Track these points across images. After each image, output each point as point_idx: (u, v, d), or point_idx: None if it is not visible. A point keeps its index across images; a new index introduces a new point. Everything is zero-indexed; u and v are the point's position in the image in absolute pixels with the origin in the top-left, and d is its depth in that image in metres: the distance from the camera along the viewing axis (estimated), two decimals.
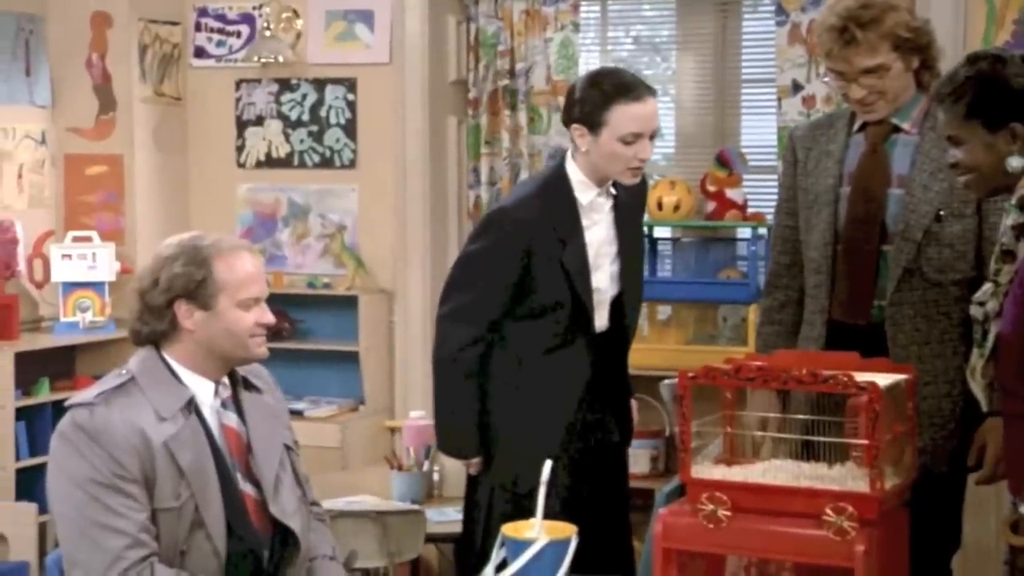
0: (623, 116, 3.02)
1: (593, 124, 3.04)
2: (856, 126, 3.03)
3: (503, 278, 3.08)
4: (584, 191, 3.12)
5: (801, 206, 3.06)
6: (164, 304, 2.52)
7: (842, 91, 2.99)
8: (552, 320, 3.11)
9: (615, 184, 3.17)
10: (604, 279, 3.15)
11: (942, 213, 2.91)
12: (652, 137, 3.08)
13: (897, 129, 2.98)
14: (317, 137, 5.32)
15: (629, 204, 3.21)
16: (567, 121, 3.12)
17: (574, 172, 3.12)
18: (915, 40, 2.93)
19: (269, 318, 2.57)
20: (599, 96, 3.04)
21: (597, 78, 3.12)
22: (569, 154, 3.15)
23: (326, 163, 5.32)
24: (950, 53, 4.32)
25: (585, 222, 3.12)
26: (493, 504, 3.12)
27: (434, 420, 3.25)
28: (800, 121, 4.43)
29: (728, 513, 2.23)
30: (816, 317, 2.99)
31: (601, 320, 3.16)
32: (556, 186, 3.12)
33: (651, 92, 3.09)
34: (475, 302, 3.09)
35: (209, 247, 2.53)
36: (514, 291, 3.09)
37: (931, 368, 2.89)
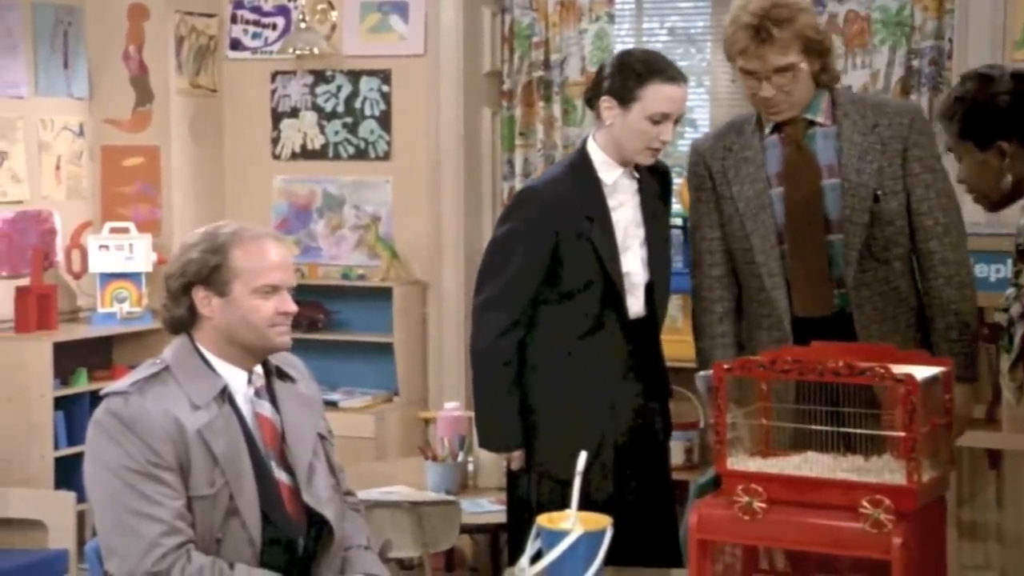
0: (657, 95, 3.05)
1: (624, 99, 3.06)
2: (768, 128, 3.06)
3: (533, 258, 3.08)
4: (607, 171, 3.13)
5: (728, 216, 3.09)
6: (180, 289, 2.54)
7: (752, 91, 3.02)
8: (584, 302, 3.10)
9: (637, 169, 3.18)
10: (634, 261, 3.15)
11: (879, 193, 2.98)
12: (676, 122, 3.11)
13: (812, 124, 3.03)
14: (352, 129, 5.34)
15: (655, 194, 3.22)
16: (595, 95, 3.12)
17: (596, 153, 3.14)
18: (821, 43, 2.99)
19: (289, 306, 2.55)
20: (636, 72, 3.07)
21: (634, 54, 3.17)
22: (591, 136, 3.18)
23: (361, 154, 5.33)
24: (988, 44, 4.31)
25: (611, 202, 3.13)
26: (542, 494, 3.09)
27: (474, 413, 3.23)
28: None
29: (764, 505, 2.22)
30: (782, 317, 3.02)
31: (635, 306, 3.15)
32: (580, 166, 3.15)
33: (685, 78, 3.13)
34: (508, 286, 3.09)
35: (229, 234, 2.54)
36: (545, 272, 3.09)
37: (890, 343, 2.90)
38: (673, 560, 3.14)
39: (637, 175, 3.18)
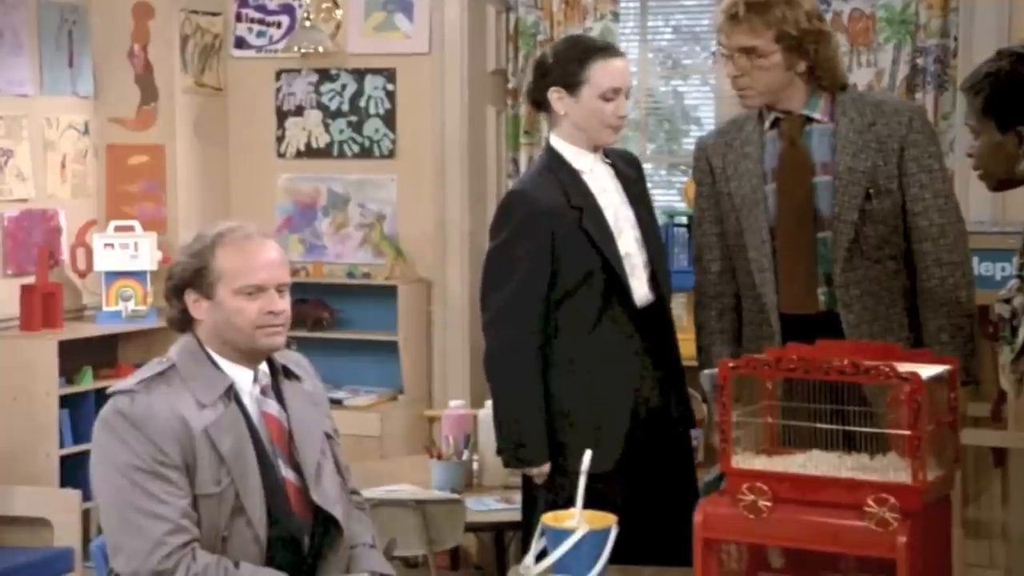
0: (602, 72, 3.08)
1: (572, 84, 3.09)
2: (767, 124, 3.07)
3: (536, 259, 3.05)
4: (578, 159, 3.15)
5: (726, 212, 3.10)
6: (171, 292, 2.56)
7: (725, 67, 3.07)
8: (587, 294, 3.07)
9: (607, 154, 3.19)
10: (631, 243, 3.14)
11: (871, 191, 2.97)
12: (627, 96, 3.15)
13: (809, 120, 3.03)
14: (356, 127, 5.34)
15: (633, 180, 3.23)
16: (543, 88, 3.14)
17: (563, 146, 3.15)
18: (800, 41, 2.97)
19: (275, 305, 2.53)
20: (575, 56, 3.11)
21: (568, 42, 3.25)
22: (552, 134, 3.19)
23: (365, 153, 5.34)
24: (994, 43, 4.30)
25: (595, 188, 3.14)
26: (555, 494, 3.02)
27: (496, 430, 3.12)
28: None
29: (769, 503, 2.22)
30: (769, 314, 3.02)
31: (641, 289, 3.13)
32: (553, 162, 3.16)
33: (622, 53, 3.19)
34: (516, 295, 3.05)
35: (215, 236, 2.54)
36: (548, 272, 3.06)
37: (881, 343, 2.90)
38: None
39: (608, 160, 3.19)
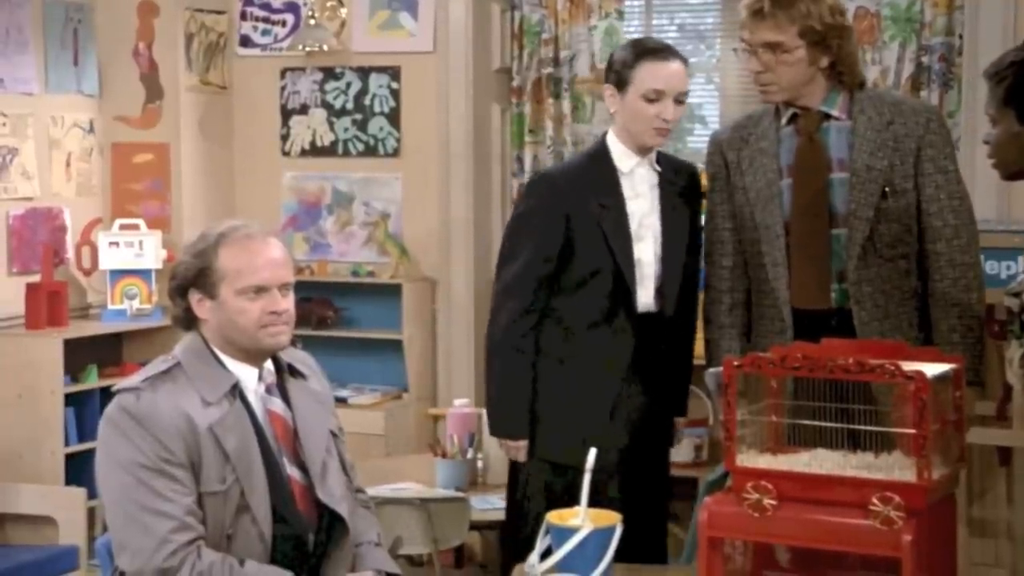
0: (647, 73, 3.11)
1: (621, 82, 3.14)
2: (784, 119, 3.07)
3: (544, 241, 3.11)
4: (624, 159, 3.18)
5: (740, 206, 3.11)
6: (174, 291, 2.57)
7: (747, 62, 3.07)
8: (594, 291, 3.12)
9: (660, 162, 3.21)
10: (648, 252, 3.16)
11: (887, 190, 2.98)
12: (680, 102, 3.15)
13: (827, 117, 3.03)
14: (361, 125, 5.34)
15: (678, 191, 3.23)
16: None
17: (614, 144, 3.20)
18: (824, 36, 2.97)
19: (278, 305, 2.53)
20: (628, 56, 3.15)
21: (630, 42, 3.28)
22: (611, 128, 3.24)
23: (370, 151, 5.34)
24: (999, 41, 4.31)
25: (627, 192, 3.16)
26: (539, 478, 3.11)
27: (486, 400, 3.25)
28: None
29: (773, 502, 2.22)
30: (781, 309, 3.02)
31: (645, 297, 3.15)
32: (597, 155, 3.20)
33: (678, 56, 3.18)
34: (521, 273, 3.12)
35: (217, 236, 2.54)
36: (559, 254, 3.11)
37: (890, 341, 2.90)
38: (659, 557, 3.16)
39: (659, 168, 3.19)
